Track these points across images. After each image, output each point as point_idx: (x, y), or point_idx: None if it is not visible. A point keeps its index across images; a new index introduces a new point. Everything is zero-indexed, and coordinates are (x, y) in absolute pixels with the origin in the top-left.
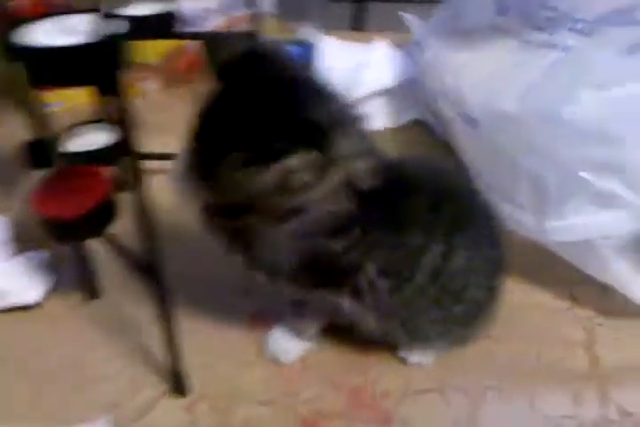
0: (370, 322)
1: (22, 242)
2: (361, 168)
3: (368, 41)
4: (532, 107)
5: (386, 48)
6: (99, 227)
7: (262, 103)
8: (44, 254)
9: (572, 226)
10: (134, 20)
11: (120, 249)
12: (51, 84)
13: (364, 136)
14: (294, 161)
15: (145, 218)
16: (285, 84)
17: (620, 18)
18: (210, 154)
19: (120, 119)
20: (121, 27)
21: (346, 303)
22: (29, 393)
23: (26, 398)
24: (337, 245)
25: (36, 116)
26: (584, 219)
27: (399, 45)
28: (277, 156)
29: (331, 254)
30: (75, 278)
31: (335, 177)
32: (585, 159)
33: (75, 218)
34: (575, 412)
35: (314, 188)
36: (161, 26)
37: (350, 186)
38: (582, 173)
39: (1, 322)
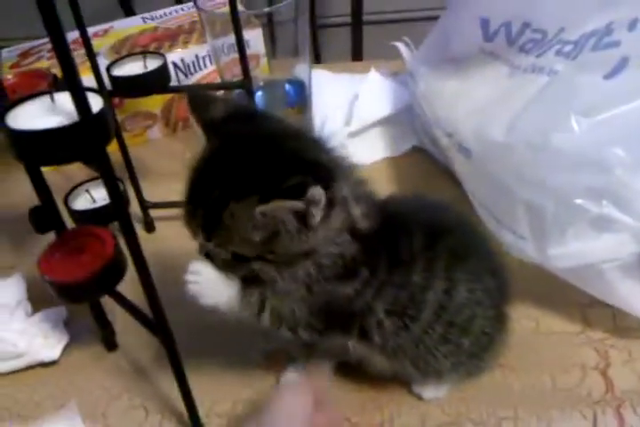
0: (378, 362)
1: (38, 299)
2: (358, 211)
3: (366, 71)
4: (521, 135)
5: (379, 78)
6: (106, 286)
7: (266, 152)
8: (60, 310)
9: (574, 252)
10: (128, 79)
11: (126, 305)
12: (38, 164)
13: (360, 181)
14: (314, 192)
15: (144, 276)
16: (282, 134)
17: (600, 40)
18: (218, 207)
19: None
20: (102, 102)
21: (354, 345)
22: None
23: None
24: (349, 289)
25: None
26: (585, 244)
27: (396, 73)
28: (292, 193)
29: (343, 298)
30: (92, 331)
31: (338, 218)
32: (579, 186)
33: (82, 281)
34: None
35: (322, 227)
36: (154, 82)
37: (351, 228)
38: (578, 201)
39: (21, 379)
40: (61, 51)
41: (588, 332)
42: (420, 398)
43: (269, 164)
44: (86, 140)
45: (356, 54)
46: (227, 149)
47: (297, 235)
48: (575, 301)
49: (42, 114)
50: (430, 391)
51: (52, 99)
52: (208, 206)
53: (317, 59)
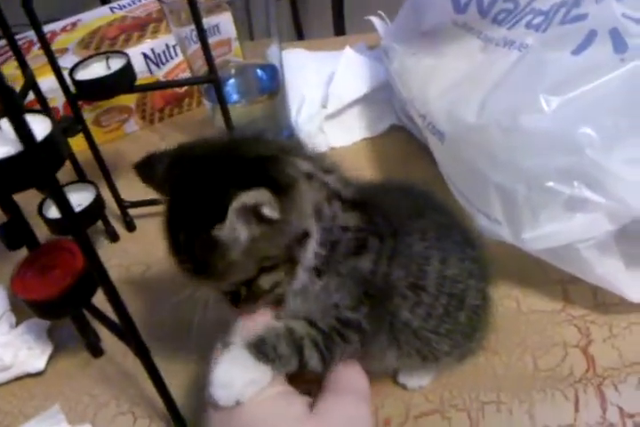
0: (389, 357)
1: (21, 310)
2: (332, 178)
3: (344, 46)
4: (492, 116)
5: (355, 55)
6: (81, 301)
7: (201, 181)
8: (43, 321)
9: (549, 234)
10: (91, 82)
11: (101, 318)
12: None
13: (322, 156)
14: (242, 199)
15: (109, 289)
16: (212, 156)
17: (568, 12)
18: (190, 247)
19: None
20: (51, 125)
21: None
22: None
23: None
24: (367, 262)
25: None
26: (559, 226)
27: (373, 47)
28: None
29: (366, 276)
30: (76, 339)
31: (308, 193)
32: (550, 168)
33: (55, 298)
34: (575, 418)
35: (292, 212)
36: (119, 84)
37: (337, 196)
38: (549, 183)
39: (8, 391)
40: None
41: (569, 309)
42: (404, 388)
43: (210, 184)
44: (34, 169)
45: (339, 29)
46: (174, 196)
47: (267, 234)
48: (556, 278)
49: None
50: (415, 381)
51: None
52: (185, 250)
53: (300, 36)
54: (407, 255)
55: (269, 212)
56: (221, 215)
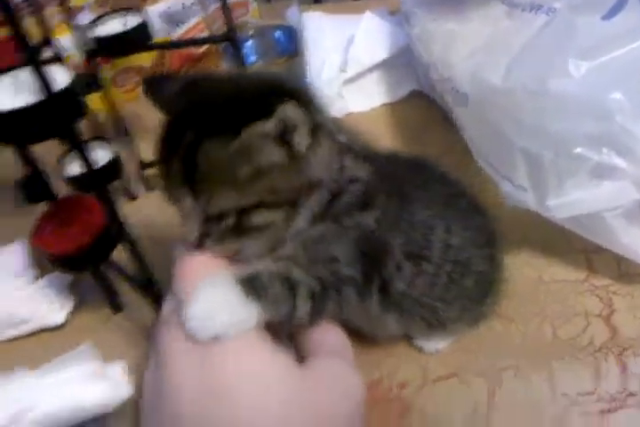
0: (389, 323)
1: (42, 265)
2: (344, 137)
3: (364, 11)
4: (519, 80)
5: (376, 19)
6: (99, 256)
7: (232, 91)
8: (65, 275)
9: (575, 201)
10: (108, 39)
11: (118, 270)
12: (9, 144)
13: (332, 116)
14: (287, 111)
15: (129, 244)
16: (242, 76)
17: None
18: (193, 150)
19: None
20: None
21: (373, 306)
22: None
23: None
24: (370, 220)
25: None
26: (585, 193)
27: (394, 12)
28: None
29: (366, 233)
30: (97, 294)
31: (327, 142)
32: (578, 133)
33: (73, 253)
34: (594, 387)
35: (313, 154)
36: (136, 40)
37: (348, 149)
38: (577, 149)
39: (28, 344)
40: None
41: (592, 279)
42: (421, 351)
43: (237, 98)
44: (54, 119)
45: None
46: (189, 105)
47: (286, 166)
48: (579, 247)
49: (10, 92)
50: (432, 344)
51: (18, 76)
52: (183, 154)
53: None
54: (409, 222)
55: (299, 140)
56: (257, 116)
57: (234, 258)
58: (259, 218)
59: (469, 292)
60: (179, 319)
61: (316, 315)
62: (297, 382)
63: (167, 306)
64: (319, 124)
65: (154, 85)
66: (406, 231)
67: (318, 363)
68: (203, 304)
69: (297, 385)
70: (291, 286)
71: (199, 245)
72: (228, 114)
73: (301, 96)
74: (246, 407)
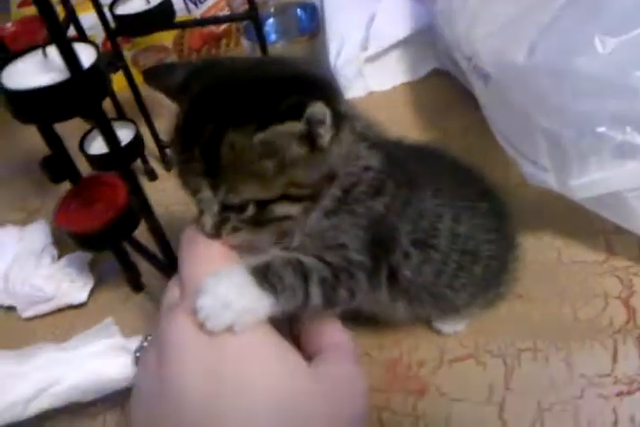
0: (400, 309)
1: (63, 244)
2: (359, 124)
3: None
4: (542, 58)
5: None
6: (122, 234)
7: (253, 80)
8: (85, 254)
9: (597, 181)
10: (131, 17)
11: (142, 251)
12: (35, 123)
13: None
14: (315, 110)
15: (152, 223)
16: (262, 62)
17: None
18: (215, 141)
19: None
20: (95, 54)
21: (383, 294)
22: None
23: None
24: (380, 205)
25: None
26: (608, 173)
27: None
28: (290, 114)
29: (377, 218)
30: (117, 273)
31: (347, 132)
32: (601, 112)
33: (97, 231)
34: (612, 369)
35: (335, 146)
36: (159, 19)
37: (363, 138)
38: (600, 128)
39: (52, 322)
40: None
41: (612, 260)
42: (439, 332)
43: (261, 89)
44: (80, 97)
45: None
46: (207, 93)
47: (309, 160)
48: (600, 228)
49: (36, 70)
50: (450, 326)
51: (45, 54)
52: (205, 144)
53: None
54: (418, 209)
55: (323, 134)
56: (284, 113)
57: (243, 246)
58: (280, 210)
59: (479, 278)
60: (186, 308)
61: (329, 303)
62: (307, 382)
63: (170, 292)
64: (341, 116)
65: (156, 76)
66: (414, 218)
67: (327, 364)
68: (216, 293)
69: (307, 384)
70: (303, 274)
71: (214, 234)
72: (252, 106)
73: (326, 89)
74: (257, 404)
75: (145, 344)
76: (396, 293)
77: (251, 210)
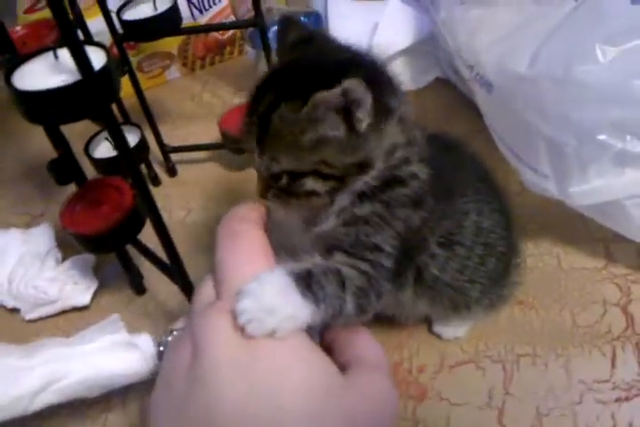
0: (419, 307)
1: (67, 247)
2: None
3: None
4: (544, 67)
5: (400, 6)
6: (127, 237)
7: (319, 62)
8: (89, 257)
9: (597, 189)
10: (138, 23)
11: (147, 253)
12: (45, 124)
13: (407, 102)
14: (352, 85)
15: (159, 227)
16: (336, 49)
17: None
18: (270, 110)
19: None
20: (105, 57)
21: (406, 293)
22: None
23: None
24: (417, 218)
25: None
26: (608, 181)
27: None
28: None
29: (413, 229)
30: (120, 276)
31: (393, 131)
32: (602, 120)
33: (102, 233)
34: (611, 375)
35: (373, 136)
36: (165, 25)
37: (413, 146)
38: (601, 136)
39: (55, 324)
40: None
41: (611, 267)
42: (439, 337)
43: (321, 71)
44: (90, 99)
45: None
46: (284, 65)
47: (345, 142)
48: (599, 236)
49: (46, 72)
50: (450, 331)
51: (56, 56)
52: (262, 112)
53: None
54: (449, 215)
55: (360, 117)
56: (329, 83)
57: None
58: (309, 184)
59: (491, 272)
60: (223, 307)
61: (361, 311)
62: (341, 392)
63: (205, 289)
64: (388, 108)
65: (286, 26)
66: (445, 225)
67: (361, 376)
68: (259, 299)
69: (339, 393)
70: (342, 283)
71: (262, 196)
72: (305, 80)
73: (379, 80)
74: (289, 406)
75: (169, 339)
76: (421, 291)
77: (284, 180)
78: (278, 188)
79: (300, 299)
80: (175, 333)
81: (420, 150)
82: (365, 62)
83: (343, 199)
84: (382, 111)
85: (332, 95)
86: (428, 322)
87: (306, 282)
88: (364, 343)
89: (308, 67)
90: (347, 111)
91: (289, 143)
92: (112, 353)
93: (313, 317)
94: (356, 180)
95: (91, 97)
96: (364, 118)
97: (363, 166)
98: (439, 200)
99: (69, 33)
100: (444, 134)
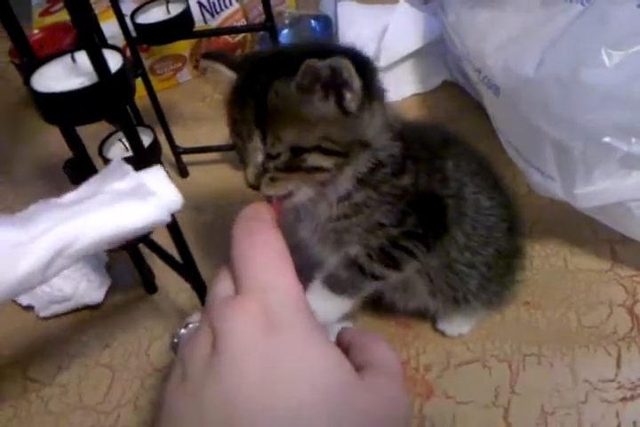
0: (418, 287)
1: None
2: (390, 112)
3: (395, 2)
4: (550, 70)
5: (409, 9)
6: (140, 236)
7: (307, 48)
8: (101, 256)
9: (602, 191)
10: (152, 26)
11: (159, 252)
12: (63, 125)
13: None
14: (337, 61)
15: (172, 224)
16: (320, 43)
17: None
18: (264, 89)
19: None
20: (121, 59)
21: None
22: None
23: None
24: (407, 179)
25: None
26: (613, 183)
27: (428, 2)
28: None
29: (407, 189)
30: (132, 275)
31: (380, 111)
32: (608, 123)
33: None
34: (616, 374)
35: (366, 116)
36: (178, 28)
37: (390, 126)
38: (606, 139)
39: (68, 321)
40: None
41: (617, 269)
42: (443, 334)
43: (307, 52)
44: (107, 101)
45: None
46: (272, 54)
47: (343, 121)
48: (605, 237)
49: (64, 74)
50: (454, 328)
51: (74, 59)
52: (257, 92)
53: None
54: (442, 172)
55: (350, 97)
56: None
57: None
58: (312, 160)
59: (490, 259)
60: (245, 303)
61: (395, 265)
62: (357, 389)
63: (223, 283)
64: (375, 89)
65: (215, 56)
66: (441, 179)
67: (378, 378)
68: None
69: (357, 391)
70: (361, 270)
71: (255, 185)
72: (296, 61)
73: (363, 63)
74: (309, 395)
75: (183, 331)
76: (419, 273)
77: (285, 155)
78: (276, 166)
79: (339, 299)
80: (191, 325)
81: (393, 132)
82: (350, 49)
83: (345, 180)
84: (371, 93)
85: (320, 64)
86: (432, 320)
87: (331, 281)
88: (382, 350)
89: (297, 52)
90: (336, 89)
91: (290, 116)
92: (123, 205)
93: (347, 306)
94: (359, 158)
95: (108, 99)
96: (353, 98)
97: (363, 145)
98: (420, 160)
99: (87, 37)
100: (443, 125)
